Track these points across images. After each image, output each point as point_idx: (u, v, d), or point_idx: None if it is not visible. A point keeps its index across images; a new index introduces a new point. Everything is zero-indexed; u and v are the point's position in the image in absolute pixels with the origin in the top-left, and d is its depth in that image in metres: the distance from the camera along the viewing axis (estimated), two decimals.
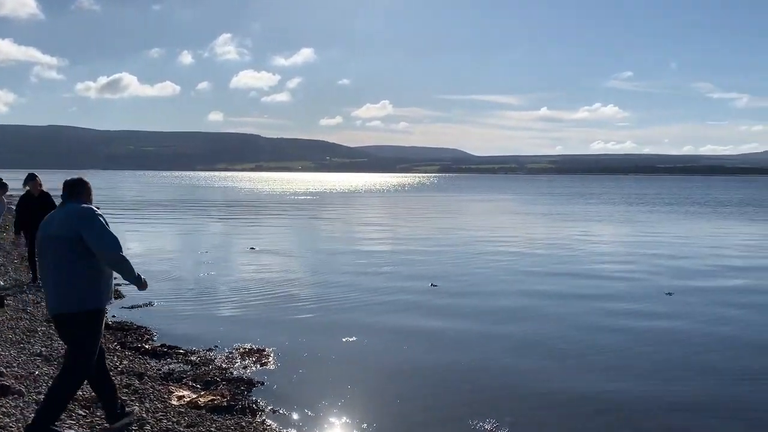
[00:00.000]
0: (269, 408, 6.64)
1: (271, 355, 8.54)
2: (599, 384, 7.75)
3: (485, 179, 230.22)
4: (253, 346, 8.82)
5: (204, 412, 6.34)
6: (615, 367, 8.40)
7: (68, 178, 5.45)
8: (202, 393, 6.90)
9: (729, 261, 18.72)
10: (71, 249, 5.07)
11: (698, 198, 70.13)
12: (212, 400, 6.61)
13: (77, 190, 5.38)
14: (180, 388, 7.04)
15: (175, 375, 7.51)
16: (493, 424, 6.42)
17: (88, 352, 5.22)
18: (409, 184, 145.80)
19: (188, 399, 6.67)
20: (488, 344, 9.43)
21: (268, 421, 6.31)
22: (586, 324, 10.75)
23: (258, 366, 8.06)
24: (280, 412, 6.60)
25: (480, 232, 27.42)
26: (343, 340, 9.45)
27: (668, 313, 11.59)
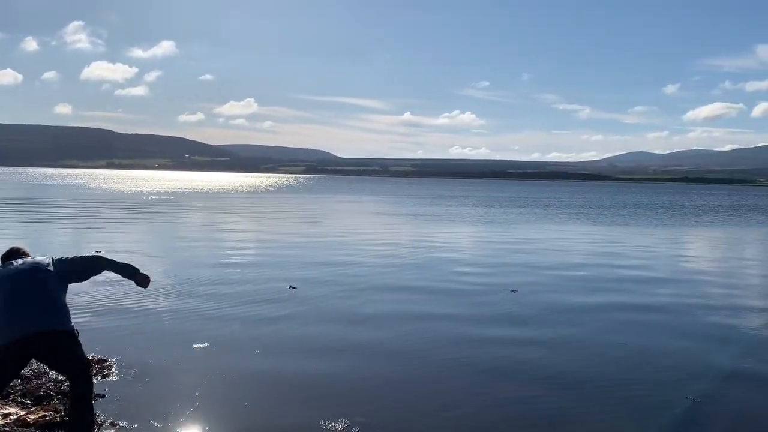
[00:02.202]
0: (109, 421, 6.27)
1: (114, 365, 8.07)
2: (445, 380, 8.14)
3: (351, 181, 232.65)
4: (94, 356, 8.27)
5: (33, 430, 5.87)
6: (454, 361, 8.86)
7: None
8: (32, 409, 6.37)
9: (572, 258, 20.45)
10: None
11: (546, 201, 76.05)
12: (44, 417, 6.13)
13: None
14: (6, 405, 6.45)
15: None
16: (344, 424, 6.53)
17: None
18: (274, 184, 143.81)
19: (15, 417, 6.13)
20: (343, 348, 9.56)
21: None
22: (434, 328, 11.24)
23: (98, 378, 7.58)
24: (121, 425, 6.25)
25: (347, 235, 27.69)
26: (194, 347, 9.15)
27: (513, 311, 12.44)
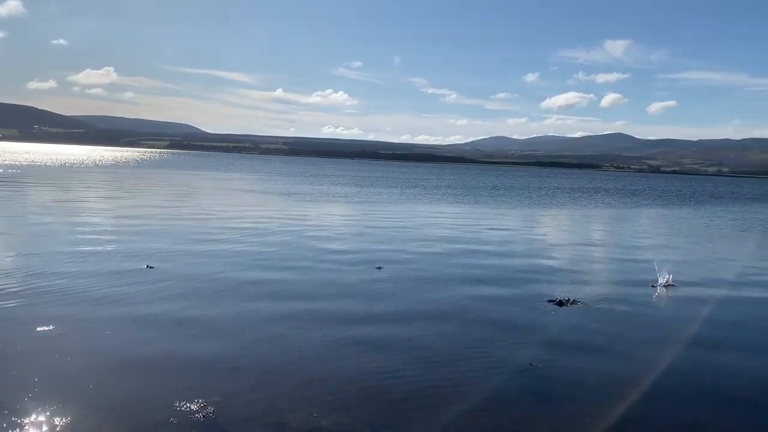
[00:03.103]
0: None
1: None
2: (305, 359, 8.19)
3: (220, 157, 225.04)
4: None
5: None
6: (314, 340, 8.95)
7: None
8: None
9: (437, 234, 21.24)
10: None
11: (415, 181, 78.31)
12: None
13: None
14: None
15: None
16: (200, 404, 6.38)
17: None
18: (136, 159, 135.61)
19: None
20: (200, 330, 9.31)
21: None
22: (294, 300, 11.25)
23: None
24: None
25: (214, 214, 26.81)
26: (38, 330, 8.49)
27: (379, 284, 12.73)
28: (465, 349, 8.75)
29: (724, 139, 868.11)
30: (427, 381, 7.47)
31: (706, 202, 61.47)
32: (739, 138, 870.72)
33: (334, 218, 28.07)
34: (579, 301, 11.91)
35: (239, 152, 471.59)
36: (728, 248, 23.02)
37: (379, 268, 14.61)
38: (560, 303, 11.72)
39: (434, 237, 21.60)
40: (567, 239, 24.58)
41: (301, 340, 8.80)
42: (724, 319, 11.40)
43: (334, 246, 18.09)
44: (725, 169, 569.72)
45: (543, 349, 8.92)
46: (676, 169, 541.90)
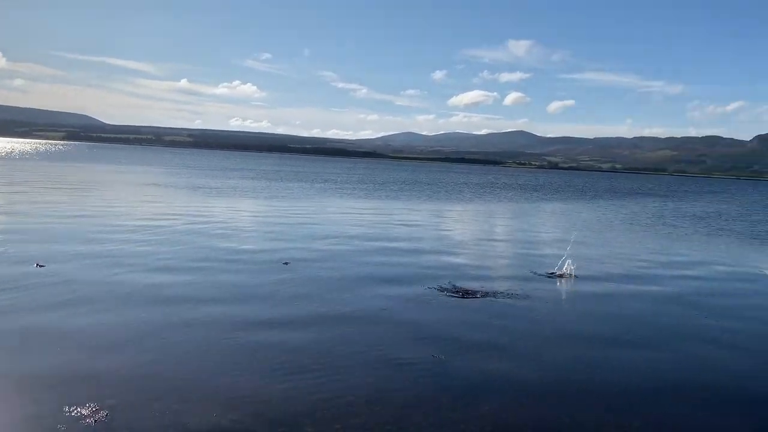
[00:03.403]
0: None
1: None
2: (202, 361, 8.01)
3: (120, 149, 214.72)
4: None
5: None
6: (214, 341, 8.77)
7: None
8: None
9: (346, 230, 21.27)
10: None
11: (326, 176, 78.13)
12: None
13: None
14: None
15: None
16: (92, 408, 6.12)
17: None
18: (29, 151, 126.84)
19: None
20: (91, 335, 8.89)
21: None
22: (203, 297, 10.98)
23: None
24: None
25: (110, 209, 25.56)
26: None
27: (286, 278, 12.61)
28: (366, 351, 8.83)
29: (618, 137, 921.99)
30: (330, 384, 7.49)
31: (599, 196, 65.21)
32: (631, 136, 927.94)
33: (242, 214, 27.50)
34: (482, 294, 12.32)
35: (141, 144, 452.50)
36: (619, 241, 24.48)
37: (286, 263, 14.49)
38: (464, 295, 12.08)
39: (344, 234, 21.66)
40: (473, 234, 25.33)
41: (199, 347, 8.56)
42: (615, 312, 12.15)
43: (240, 245, 17.72)
44: (619, 166, 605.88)
45: (446, 344, 9.16)
46: (574, 165, 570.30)
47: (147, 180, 49.37)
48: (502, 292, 12.80)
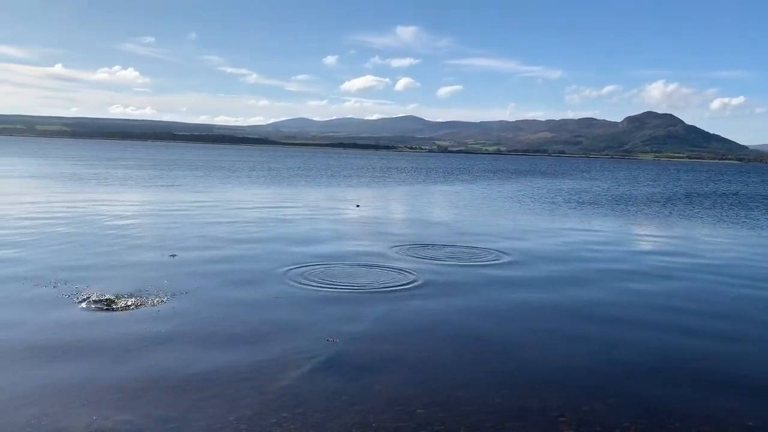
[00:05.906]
0: None
1: None
2: (68, 360, 7.65)
3: None
4: None
5: None
6: (74, 341, 8.41)
7: None
8: None
9: (236, 220, 20.80)
10: None
11: (216, 164, 76.00)
12: None
13: None
14: None
15: None
16: None
17: None
18: None
19: None
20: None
21: None
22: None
23: None
24: None
25: None
26: None
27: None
28: (269, 333, 8.77)
29: (501, 121, 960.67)
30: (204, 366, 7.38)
31: (482, 177, 67.89)
32: (513, 120, 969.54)
33: (126, 205, 26.21)
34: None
35: (10, 134, 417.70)
36: (504, 218, 25.61)
37: (173, 255, 14.01)
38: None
39: (234, 220, 21.18)
40: (365, 219, 25.58)
41: (62, 341, 8.16)
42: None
43: (128, 232, 16.90)
44: (503, 148, 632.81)
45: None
46: (462, 148, 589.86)
47: (18, 173, 45.81)
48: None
